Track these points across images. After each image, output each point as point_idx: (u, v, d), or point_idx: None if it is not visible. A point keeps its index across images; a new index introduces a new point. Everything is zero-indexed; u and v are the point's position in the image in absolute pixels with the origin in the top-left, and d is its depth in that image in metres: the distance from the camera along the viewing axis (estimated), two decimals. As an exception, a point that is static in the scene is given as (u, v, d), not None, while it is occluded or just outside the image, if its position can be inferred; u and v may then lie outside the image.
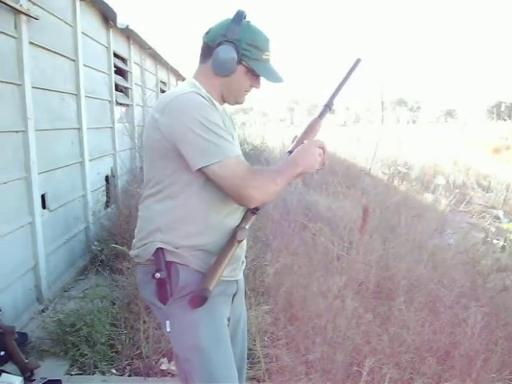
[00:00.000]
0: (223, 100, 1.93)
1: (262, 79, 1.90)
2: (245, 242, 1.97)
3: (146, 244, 1.86)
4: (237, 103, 1.98)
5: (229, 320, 1.98)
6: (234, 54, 1.79)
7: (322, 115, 2.12)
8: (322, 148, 1.90)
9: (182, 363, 1.91)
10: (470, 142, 29.85)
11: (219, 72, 1.84)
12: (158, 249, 1.81)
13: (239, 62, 1.81)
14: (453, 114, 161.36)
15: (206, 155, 1.68)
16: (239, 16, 1.82)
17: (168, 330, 1.87)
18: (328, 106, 2.15)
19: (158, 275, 1.80)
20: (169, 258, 1.81)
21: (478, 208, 10.50)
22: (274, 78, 1.88)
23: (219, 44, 1.81)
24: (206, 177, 1.75)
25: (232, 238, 1.85)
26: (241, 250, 1.97)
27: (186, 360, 1.86)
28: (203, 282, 1.75)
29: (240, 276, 2.05)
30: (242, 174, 1.70)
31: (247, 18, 1.87)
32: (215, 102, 1.87)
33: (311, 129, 2.06)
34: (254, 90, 1.97)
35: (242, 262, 2.06)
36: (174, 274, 1.81)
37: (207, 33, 1.87)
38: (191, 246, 1.82)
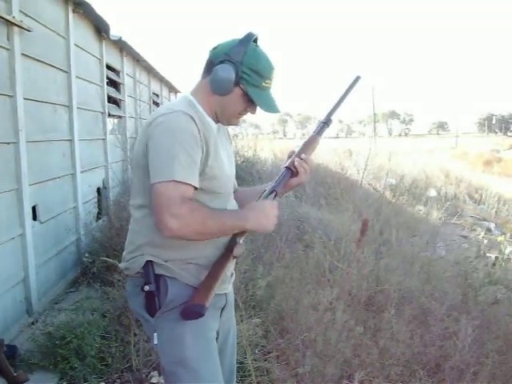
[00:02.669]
0: (216, 119, 1.92)
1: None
2: None
3: (135, 257, 1.86)
4: (229, 124, 1.99)
5: (218, 333, 1.98)
6: (233, 74, 1.79)
7: (320, 132, 2.14)
8: (275, 209, 1.91)
9: (169, 376, 1.90)
10: (462, 154, 30.07)
11: (215, 90, 1.83)
12: (147, 262, 1.82)
13: (237, 84, 1.81)
14: (444, 127, 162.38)
15: (158, 174, 1.70)
16: (248, 38, 1.82)
17: (155, 342, 1.87)
18: (326, 124, 2.16)
19: (146, 288, 1.81)
20: (158, 271, 1.82)
21: (469, 220, 10.55)
22: (269, 107, 1.88)
23: (220, 62, 1.81)
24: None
25: (227, 254, 1.85)
26: (230, 263, 1.95)
27: (173, 373, 1.86)
28: (198, 297, 1.75)
29: (229, 289, 2.04)
30: (172, 197, 1.66)
31: (258, 42, 1.87)
32: (209, 119, 1.88)
33: (309, 145, 2.08)
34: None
35: (232, 274, 2.05)
36: (162, 287, 1.82)
37: (214, 48, 1.87)
38: (181, 260, 1.84)
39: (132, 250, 1.89)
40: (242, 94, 1.84)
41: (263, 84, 1.84)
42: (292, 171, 2.02)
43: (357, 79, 2.23)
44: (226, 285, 2.00)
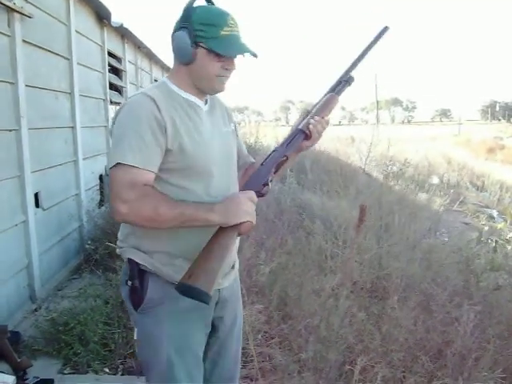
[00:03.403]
0: (201, 91, 1.82)
1: (238, 59, 1.76)
2: (235, 245, 1.87)
3: (122, 247, 1.81)
4: (215, 91, 1.84)
5: (216, 326, 1.91)
6: (186, 37, 1.69)
7: (339, 92, 1.99)
8: (252, 200, 1.73)
9: (146, 372, 1.85)
10: (465, 141, 29.99)
11: (180, 60, 1.76)
12: (130, 259, 1.77)
13: (196, 45, 1.70)
14: (447, 114, 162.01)
15: (111, 159, 1.65)
16: (190, 1, 1.73)
17: (135, 337, 1.82)
18: (348, 82, 2.00)
19: (129, 283, 1.77)
20: (142, 265, 1.75)
21: (472, 207, 10.54)
22: (237, 50, 1.72)
23: (173, 32, 1.74)
24: (164, 177, 1.72)
25: (232, 231, 1.68)
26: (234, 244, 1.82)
27: (149, 370, 1.82)
28: (202, 280, 1.58)
29: (225, 284, 1.90)
30: (122, 183, 1.61)
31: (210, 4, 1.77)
32: (186, 96, 1.80)
33: (326, 106, 1.94)
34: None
35: (233, 266, 1.95)
36: (145, 283, 1.75)
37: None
38: (166, 253, 1.75)
39: (121, 240, 1.83)
40: (206, 53, 1.70)
41: (222, 33, 1.69)
42: (306, 134, 1.90)
43: (384, 30, 2.05)
44: (220, 279, 1.79)
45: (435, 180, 12.96)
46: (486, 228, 7.63)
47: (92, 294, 4.05)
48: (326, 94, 1.99)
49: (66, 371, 3.33)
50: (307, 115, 1.95)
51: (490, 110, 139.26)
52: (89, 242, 5.36)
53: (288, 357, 3.14)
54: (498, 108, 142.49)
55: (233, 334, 2.01)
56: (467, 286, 4.05)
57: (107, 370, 3.33)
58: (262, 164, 1.88)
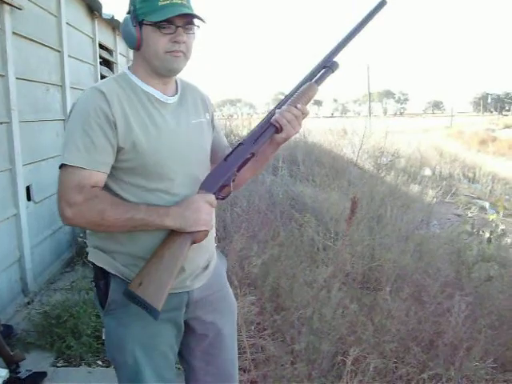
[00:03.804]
0: (159, 75, 1.69)
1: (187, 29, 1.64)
2: (207, 244, 1.79)
3: (89, 247, 1.75)
4: (170, 70, 1.67)
5: (191, 328, 1.84)
6: (129, 21, 1.63)
7: (319, 80, 1.80)
8: (212, 205, 1.67)
9: (116, 373, 1.79)
10: (457, 133, 30.08)
11: (131, 46, 1.68)
12: (93, 262, 1.72)
13: (140, 24, 1.61)
14: (439, 106, 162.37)
15: (60, 160, 1.59)
16: None
17: (103, 337, 1.78)
18: (330, 69, 1.80)
19: (93, 284, 1.73)
20: (105, 267, 1.69)
21: (464, 199, 10.58)
22: (168, 13, 1.57)
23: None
24: (121, 177, 1.64)
25: (185, 239, 1.62)
26: (199, 253, 1.77)
27: (117, 370, 1.77)
28: (151, 295, 1.56)
29: (195, 286, 1.79)
30: (69, 186, 1.54)
31: None
32: (147, 89, 1.69)
33: (302, 96, 1.76)
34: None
35: (207, 266, 1.85)
36: (107, 285, 1.69)
37: None
38: (128, 254, 1.68)
39: (87, 239, 1.78)
40: (150, 29, 1.60)
41: (160, 3, 1.57)
42: (276, 127, 1.73)
43: (381, 4, 1.84)
44: (189, 282, 1.76)
45: (427, 172, 13.01)
46: (477, 219, 7.67)
47: (84, 287, 4.05)
48: (303, 81, 1.81)
49: (58, 364, 3.33)
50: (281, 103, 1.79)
51: (482, 102, 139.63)
52: (81, 235, 5.36)
53: (281, 348, 3.15)
54: (489, 100, 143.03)
55: (223, 334, 1.91)
56: (459, 277, 4.07)
57: (100, 363, 3.34)
58: (225, 159, 1.75)
